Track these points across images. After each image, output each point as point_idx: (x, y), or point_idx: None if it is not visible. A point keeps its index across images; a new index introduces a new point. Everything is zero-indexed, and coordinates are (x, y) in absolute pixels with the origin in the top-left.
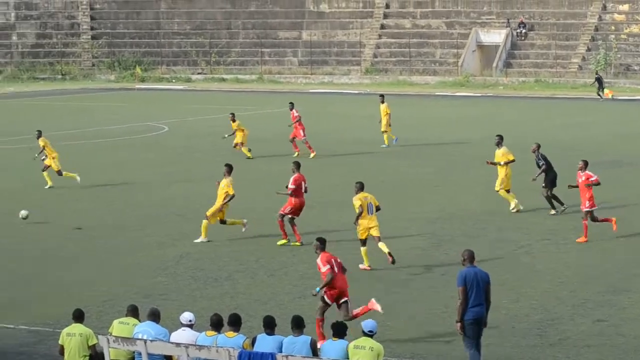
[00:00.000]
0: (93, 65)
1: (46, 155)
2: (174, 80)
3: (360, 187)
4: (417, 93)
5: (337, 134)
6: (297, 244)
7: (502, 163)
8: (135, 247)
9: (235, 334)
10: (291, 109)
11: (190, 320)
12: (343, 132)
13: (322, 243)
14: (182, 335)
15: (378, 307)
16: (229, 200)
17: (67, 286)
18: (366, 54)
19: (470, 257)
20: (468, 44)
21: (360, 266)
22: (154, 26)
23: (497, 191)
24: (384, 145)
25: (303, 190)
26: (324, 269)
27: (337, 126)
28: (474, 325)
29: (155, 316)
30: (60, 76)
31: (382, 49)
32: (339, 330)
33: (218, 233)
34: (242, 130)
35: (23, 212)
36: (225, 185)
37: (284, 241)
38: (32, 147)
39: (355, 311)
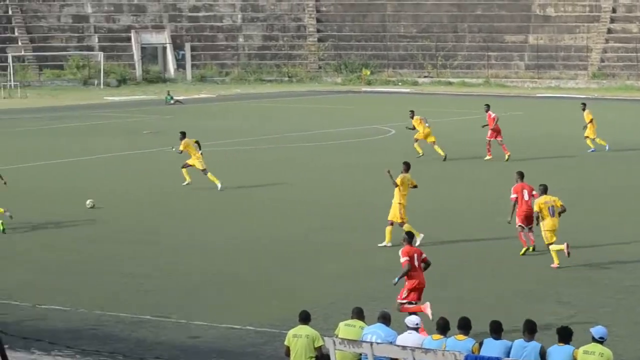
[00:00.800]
0: (319, 67)
1: (181, 151)
2: (400, 84)
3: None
4: None
5: (562, 138)
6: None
7: None
8: (360, 250)
9: (465, 337)
10: (487, 111)
11: (416, 324)
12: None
13: (409, 237)
14: (408, 338)
15: (429, 312)
16: None
17: (293, 288)
18: (593, 58)
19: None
20: None
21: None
22: (380, 29)
23: None
24: (590, 150)
25: (526, 198)
26: (403, 259)
27: (561, 130)
28: None
29: (385, 319)
30: (286, 78)
31: (609, 54)
32: (565, 335)
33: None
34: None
35: (88, 202)
36: (406, 181)
37: (524, 249)
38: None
39: (407, 306)
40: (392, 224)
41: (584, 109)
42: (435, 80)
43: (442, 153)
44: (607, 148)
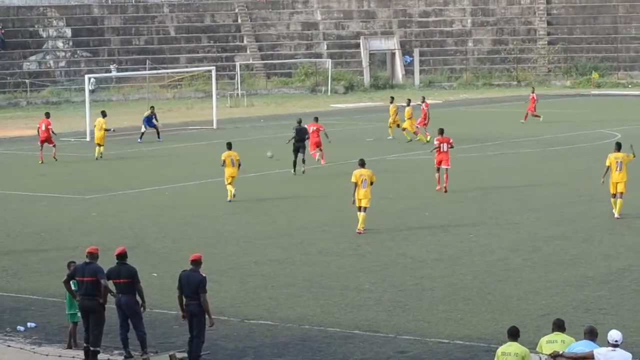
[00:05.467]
0: (549, 71)
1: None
2: (629, 86)
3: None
4: None
5: None
6: None
7: None
8: (578, 258)
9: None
10: None
11: (616, 340)
12: None
13: None
14: (611, 355)
15: None
16: None
17: (506, 298)
18: None
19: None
20: None
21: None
22: (611, 31)
23: None
24: None
25: None
26: None
27: None
28: None
29: (592, 334)
30: (515, 82)
31: None
32: None
33: None
34: None
35: (269, 153)
36: None
37: None
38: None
39: None
40: None
41: None
42: None
43: None
44: None
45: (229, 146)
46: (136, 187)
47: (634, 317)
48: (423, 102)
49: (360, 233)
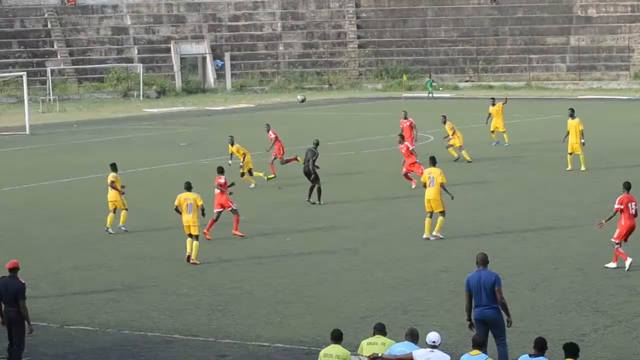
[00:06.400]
0: (360, 74)
1: (241, 162)
2: (441, 89)
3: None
4: None
5: (610, 142)
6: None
7: None
8: (395, 260)
9: (479, 352)
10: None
11: (434, 342)
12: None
13: None
14: (429, 355)
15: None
16: None
17: (325, 301)
18: (635, 58)
19: (482, 261)
20: None
21: None
22: (421, 34)
23: None
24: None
25: (632, 213)
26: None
27: (607, 134)
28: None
29: (413, 336)
30: (327, 86)
31: None
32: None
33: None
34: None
35: (299, 97)
36: None
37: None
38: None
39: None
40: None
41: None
42: (476, 84)
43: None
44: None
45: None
46: None
47: (452, 318)
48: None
49: (196, 264)
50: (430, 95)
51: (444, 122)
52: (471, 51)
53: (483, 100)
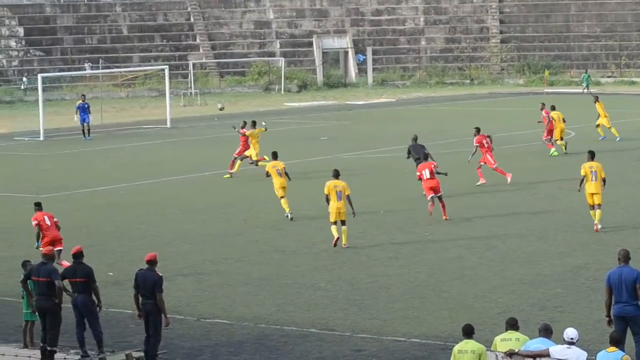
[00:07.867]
0: (502, 69)
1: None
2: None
3: None
4: None
5: None
6: None
7: None
8: (533, 256)
9: (616, 349)
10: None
11: (572, 338)
12: None
13: None
14: (566, 352)
15: None
16: None
17: (462, 296)
18: None
19: (624, 257)
20: None
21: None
22: (564, 29)
23: None
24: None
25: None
26: None
27: None
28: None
29: (547, 332)
30: (468, 81)
31: None
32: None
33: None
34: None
35: (219, 105)
36: None
37: None
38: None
39: None
40: None
41: None
42: (618, 80)
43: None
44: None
45: (275, 155)
46: (91, 186)
47: (589, 315)
48: (542, 109)
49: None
50: (586, 90)
51: (595, 102)
52: (614, 47)
53: (624, 96)
